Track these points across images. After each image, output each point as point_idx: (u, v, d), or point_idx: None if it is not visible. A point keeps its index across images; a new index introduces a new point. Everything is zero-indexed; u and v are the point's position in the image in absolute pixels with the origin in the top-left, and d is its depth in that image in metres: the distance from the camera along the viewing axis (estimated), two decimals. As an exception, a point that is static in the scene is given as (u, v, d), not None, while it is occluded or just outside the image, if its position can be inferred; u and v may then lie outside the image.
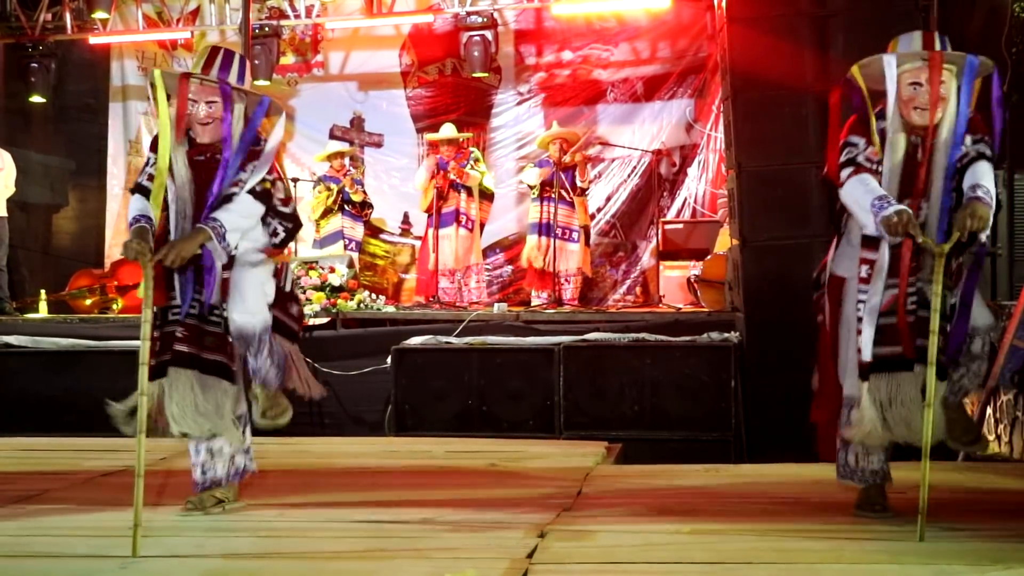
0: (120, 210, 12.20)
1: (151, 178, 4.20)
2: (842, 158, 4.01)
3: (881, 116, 4.01)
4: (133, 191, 4.28)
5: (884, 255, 3.94)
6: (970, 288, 3.95)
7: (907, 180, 3.95)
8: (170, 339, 4.22)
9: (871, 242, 3.98)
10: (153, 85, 4.37)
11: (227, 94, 4.23)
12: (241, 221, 4.21)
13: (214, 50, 4.34)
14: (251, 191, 4.23)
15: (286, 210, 4.38)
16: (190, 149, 4.28)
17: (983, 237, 3.90)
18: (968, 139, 3.95)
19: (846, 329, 4.10)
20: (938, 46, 3.99)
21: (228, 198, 4.20)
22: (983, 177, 3.86)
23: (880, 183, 3.95)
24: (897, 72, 3.99)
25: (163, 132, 4.17)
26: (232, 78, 4.27)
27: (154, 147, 4.24)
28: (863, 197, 3.91)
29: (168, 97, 4.22)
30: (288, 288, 4.47)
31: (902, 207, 3.84)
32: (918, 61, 3.99)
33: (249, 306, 4.23)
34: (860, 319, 3.98)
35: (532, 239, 10.10)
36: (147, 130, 11.97)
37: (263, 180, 4.26)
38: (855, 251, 4.07)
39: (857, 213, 3.97)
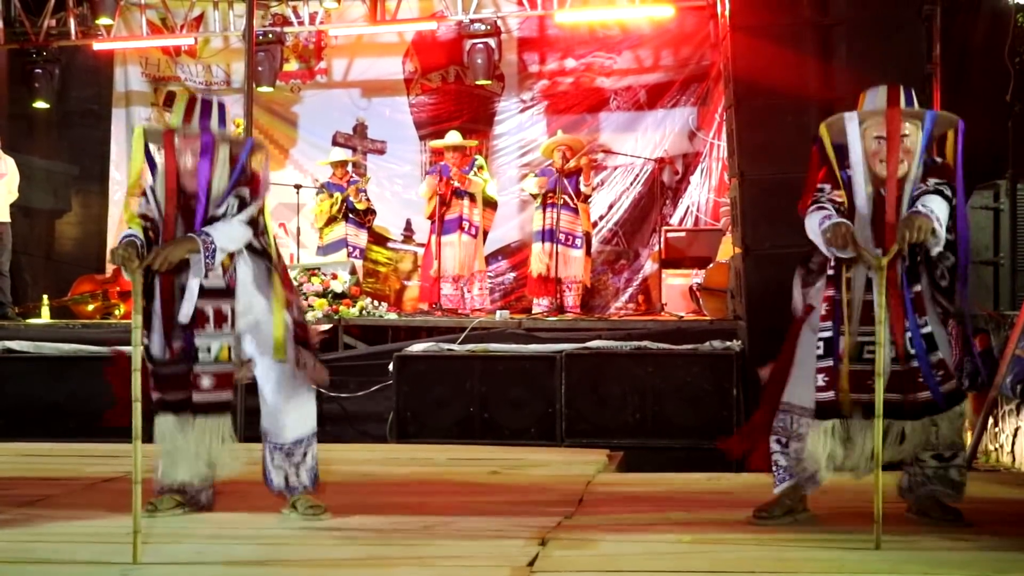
0: (122, 215, 12.17)
1: (144, 216, 4.36)
2: (812, 200, 4.22)
3: (844, 165, 4.17)
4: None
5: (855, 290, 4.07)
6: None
7: (877, 228, 4.07)
8: (182, 380, 4.29)
9: (833, 280, 4.12)
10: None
11: (207, 144, 4.24)
12: (228, 243, 4.23)
13: (192, 99, 4.36)
14: (240, 219, 4.26)
15: (256, 244, 4.36)
16: (180, 199, 4.30)
17: (934, 250, 3.98)
18: (932, 181, 4.06)
19: (802, 353, 4.19)
20: (903, 100, 4.13)
21: (215, 219, 4.24)
22: (930, 202, 3.97)
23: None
24: (862, 128, 4.15)
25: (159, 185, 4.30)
26: (214, 124, 4.30)
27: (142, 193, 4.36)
28: (814, 222, 4.10)
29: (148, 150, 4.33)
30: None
31: (841, 220, 4.00)
32: (880, 117, 4.13)
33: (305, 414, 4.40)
34: (818, 356, 4.09)
35: (537, 246, 10.07)
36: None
37: (249, 207, 4.28)
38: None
39: (815, 240, 4.13)
